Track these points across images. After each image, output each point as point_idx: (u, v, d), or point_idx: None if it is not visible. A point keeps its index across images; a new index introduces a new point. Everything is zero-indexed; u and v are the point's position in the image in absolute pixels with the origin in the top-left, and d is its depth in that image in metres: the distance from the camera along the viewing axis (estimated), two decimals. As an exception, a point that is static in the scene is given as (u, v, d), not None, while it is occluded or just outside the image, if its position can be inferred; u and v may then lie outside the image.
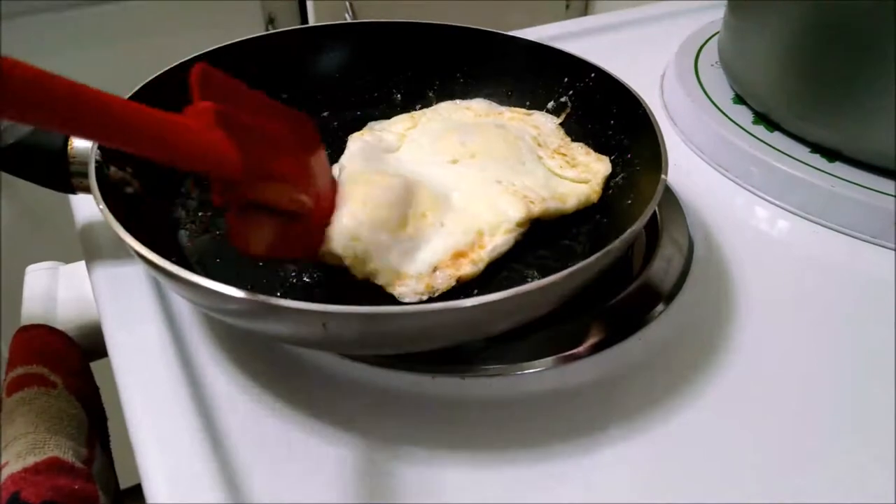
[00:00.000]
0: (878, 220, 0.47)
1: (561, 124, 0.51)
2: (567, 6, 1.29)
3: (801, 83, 0.51)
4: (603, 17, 0.77)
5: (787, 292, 0.44)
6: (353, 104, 0.54)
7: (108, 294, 0.43)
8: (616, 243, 0.34)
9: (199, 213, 0.44)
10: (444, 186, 0.44)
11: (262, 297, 0.30)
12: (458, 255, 0.40)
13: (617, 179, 0.46)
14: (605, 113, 0.49)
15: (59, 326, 0.49)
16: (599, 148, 0.49)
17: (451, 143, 0.47)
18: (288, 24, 1.12)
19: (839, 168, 0.49)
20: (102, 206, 0.35)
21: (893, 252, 0.47)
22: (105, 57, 1.00)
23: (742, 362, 0.39)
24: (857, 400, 0.38)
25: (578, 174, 0.46)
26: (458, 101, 0.54)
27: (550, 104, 0.53)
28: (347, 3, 1.08)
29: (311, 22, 1.10)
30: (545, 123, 0.51)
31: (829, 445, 0.35)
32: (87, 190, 0.41)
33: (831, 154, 0.51)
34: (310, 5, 1.08)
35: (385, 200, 0.40)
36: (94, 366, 0.49)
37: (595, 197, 0.45)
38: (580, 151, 0.49)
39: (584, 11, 1.33)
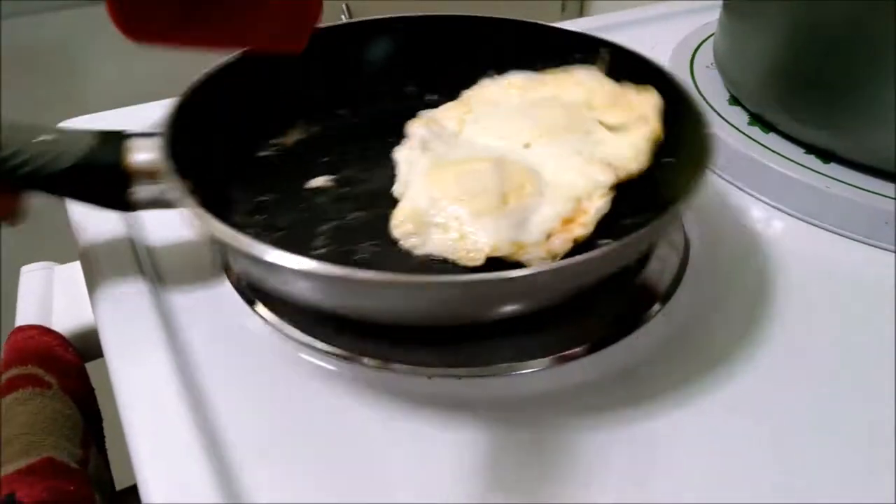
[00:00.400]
0: (873, 221, 0.47)
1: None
2: (563, 8, 1.30)
3: (795, 85, 0.51)
4: (599, 18, 0.77)
5: (783, 292, 0.44)
6: (363, 100, 0.54)
7: (105, 293, 0.43)
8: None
9: (254, 217, 0.44)
10: (531, 163, 0.44)
11: (400, 276, 0.31)
12: (567, 220, 0.41)
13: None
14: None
15: (54, 327, 0.48)
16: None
17: (517, 128, 0.47)
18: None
19: (834, 169, 0.50)
20: (199, 209, 0.35)
21: (888, 252, 0.47)
22: (106, 57, 1.00)
23: (738, 362, 0.39)
24: (853, 399, 0.38)
25: (637, 116, 0.47)
26: (495, 78, 0.53)
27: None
28: (344, 5, 1.09)
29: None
30: (587, 76, 0.51)
31: (826, 446, 0.35)
32: (146, 206, 0.41)
33: (826, 155, 0.51)
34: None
35: (481, 186, 0.41)
36: (90, 366, 0.49)
37: (660, 133, 0.45)
38: (627, 91, 0.49)
39: (580, 13, 1.34)
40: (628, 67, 0.49)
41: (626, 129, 0.46)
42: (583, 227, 0.41)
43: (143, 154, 0.39)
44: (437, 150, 0.46)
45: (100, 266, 0.44)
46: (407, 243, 0.41)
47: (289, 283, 0.35)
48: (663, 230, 0.38)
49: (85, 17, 0.96)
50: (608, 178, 0.43)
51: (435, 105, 0.52)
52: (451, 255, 0.40)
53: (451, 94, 0.54)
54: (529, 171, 0.43)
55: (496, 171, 0.42)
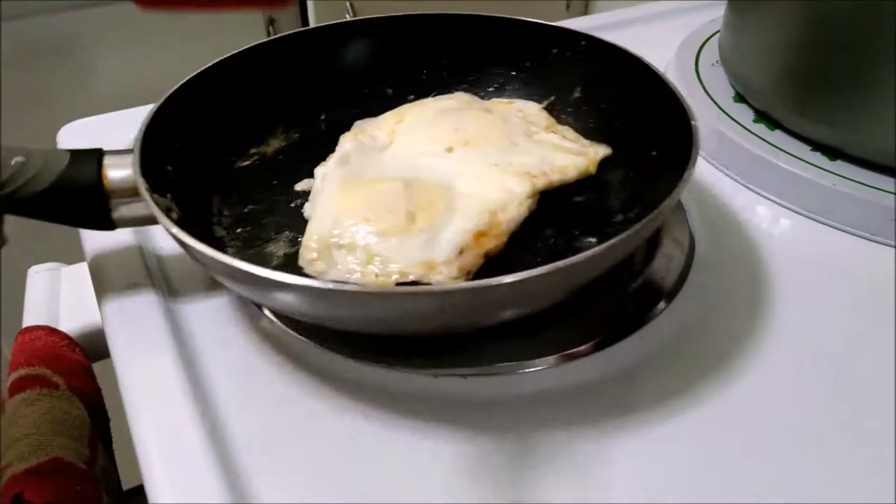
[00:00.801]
0: (879, 218, 0.47)
1: (546, 109, 0.52)
2: (567, 6, 1.29)
3: (801, 81, 0.51)
4: (603, 16, 0.77)
5: (789, 290, 0.44)
6: (341, 103, 0.54)
7: (113, 294, 0.43)
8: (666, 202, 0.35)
9: (238, 230, 0.44)
10: (447, 175, 0.44)
11: (380, 288, 0.31)
12: (480, 234, 0.41)
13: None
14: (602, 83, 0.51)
15: (62, 328, 0.49)
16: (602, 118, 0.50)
17: (444, 132, 0.47)
18: (288, 24, 1.12)
19: (840, 166, 0.49)
20: (176, 229, 0.34)
21: (894, 249, 0.47)
22: (105, 57, 1.00)
23: (743, 360, 0.39)
24: (856, 398, 0.38)
25: (576, 147, 0.47)
26: (439, 97, 0.54)
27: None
28: (348, 3, 1.09)
29: (312, 21, 1.10)
30: (528, 107, 0.52)
31: (827, 445, 0.35)
32: (128, 223, 0.40)
33: (832, 152, 0.51)
34: (310, 5, 1.08)
35: (388, 206, 0.41)
36: (97, 367, 0.49)
37: (593, 169, 0.46)
38: (569, 131, 0.50)
39: (585, 11, 1.33)
40: (607, 60, 0.49)
41: (562, 149, 0.47)
42: (495, 240, 0.40)
43: (120, 171, 0.39)
44: (355, 166, 0.45)
45: (109, 272, 0.44)
46: (313, 270, 0.40)
47: (275, 297, 0.35)
48: (652, 228, 0.37)
49: (87, 18, 0.97)
50: (524, 190, 0.43)
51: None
52: (359, 280, 0.39)
53: (428, 93, 0.54)
54: (442, 186, 0.43)
55: (405, 191, 0.42)
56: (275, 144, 0.51)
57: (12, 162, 0.37)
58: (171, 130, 0.43)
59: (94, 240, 0.47)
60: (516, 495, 0.33)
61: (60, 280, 0.54)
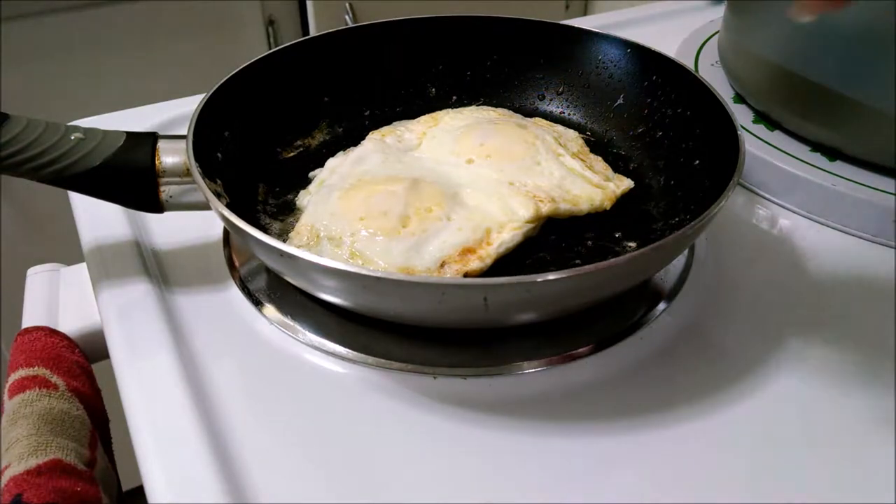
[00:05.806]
0: (879, 219, 0.47)
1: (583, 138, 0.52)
2: (567, 6, 1.29)
3: (800, 82, 0.51)
4: (602, 16, 0.77)
5: (788, 291, 0.44)
6: (386, 100, 0.55)
7: (111, 295, 0.43)
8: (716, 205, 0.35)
9: (281, 218, 0.45)
10: (457, 184, 0.44)
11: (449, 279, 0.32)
12: (467, 250, 0.40)
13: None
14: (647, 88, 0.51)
15: (61, 328, 0.49)
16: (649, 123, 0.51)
17: (470, 144, 0.48)
18: (288, 26, 1.12)
19: (839, 167, 0.50)
20: (228, 213, 0.35)
21: (894, 250, 0.47)
22: (107, 58, 1.00)
23: (743, 361, 0.39)
24: (856, 398, 0.38)
25: (598, 179, 0.47)
26: (481, 107, 0.54)
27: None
28: (347, 5, 1.09)
29: (311, 23, 1.10)
30: (567, 132, 0.52)
31: (828, 445, 0.35)
32: (176, 207, 0.42)
33: (831, 153, 0.51)
34: (310, 6, 1.08)
35: (385, 207, 0.41)
36: (96, 367, 0.49)
37: (608, 204, 0.45)
38: (598, 162, 0.49)
39: (584, 11, 1.34)
40: (651, 68, 0.50)
41: (581, 178, 0.46)
42: (479, 261, 0.40)
43: (173, 155, 0.40)
44: (369, 165, 0.46)
45: (106, 268, 0.45)
46: None
47: (316, 281, 0.36)
48: (692, 238, 0.38)
49: (87, 18, 0.97)
50: (528, 214, 0.42)
51: (456, 106, 0.54)
52: None
53: (471, 95, 0.56)
54: (446, 193, 0.43)
55: (406, 193, 0.42)
56: (319, 137, 0.53)
57: (72, 137, 0.39)
58: (221, 119, 0.44)
59: (92, 235, 0.47)
60: (516, 495, 0.33)
61: (60, 281, 0.54)
